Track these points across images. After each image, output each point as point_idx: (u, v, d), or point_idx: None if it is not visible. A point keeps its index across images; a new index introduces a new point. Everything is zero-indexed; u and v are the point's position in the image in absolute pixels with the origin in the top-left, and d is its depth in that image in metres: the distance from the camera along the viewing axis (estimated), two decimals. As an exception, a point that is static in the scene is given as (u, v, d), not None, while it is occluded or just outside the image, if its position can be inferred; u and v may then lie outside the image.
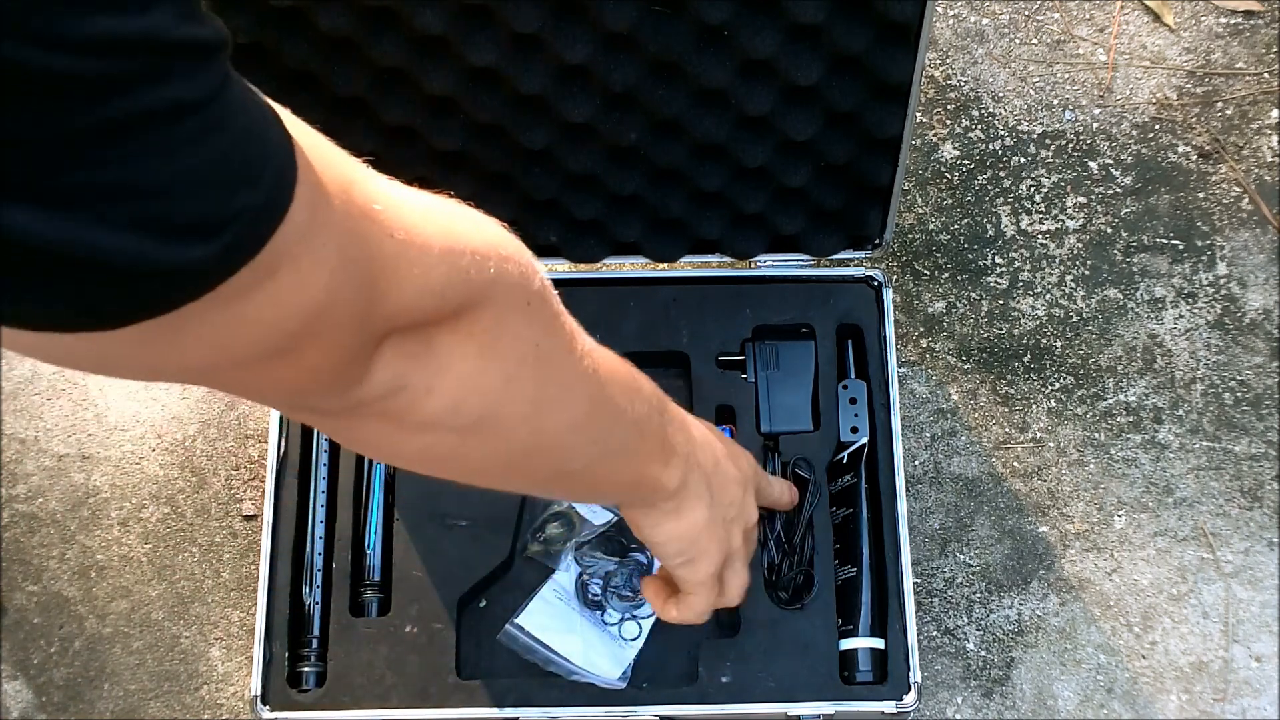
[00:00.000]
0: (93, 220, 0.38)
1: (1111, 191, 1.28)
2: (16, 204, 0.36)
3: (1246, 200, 1.27)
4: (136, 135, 0.38)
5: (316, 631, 1.00)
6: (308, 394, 0.56)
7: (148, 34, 0.37)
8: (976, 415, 1.21)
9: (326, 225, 0.48)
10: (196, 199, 0.40)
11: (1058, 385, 1.22)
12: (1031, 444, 1.20)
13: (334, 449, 1.06)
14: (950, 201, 1.28)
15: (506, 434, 0.65)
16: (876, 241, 1.07)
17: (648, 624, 1.01)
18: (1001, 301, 1.25)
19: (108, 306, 0.41)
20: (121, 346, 0.43)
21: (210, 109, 0.40)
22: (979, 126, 1.31)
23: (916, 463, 1.20)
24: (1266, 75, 1.31)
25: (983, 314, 1.24)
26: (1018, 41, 1.33)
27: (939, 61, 1.33)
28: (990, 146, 1.30)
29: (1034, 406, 1.21)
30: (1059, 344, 1.23)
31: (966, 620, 1.15)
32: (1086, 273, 1.25)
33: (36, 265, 0.38)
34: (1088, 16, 1.34)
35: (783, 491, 0.98)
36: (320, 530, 1.03)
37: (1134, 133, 1.30)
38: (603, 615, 1.02)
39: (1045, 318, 1.24)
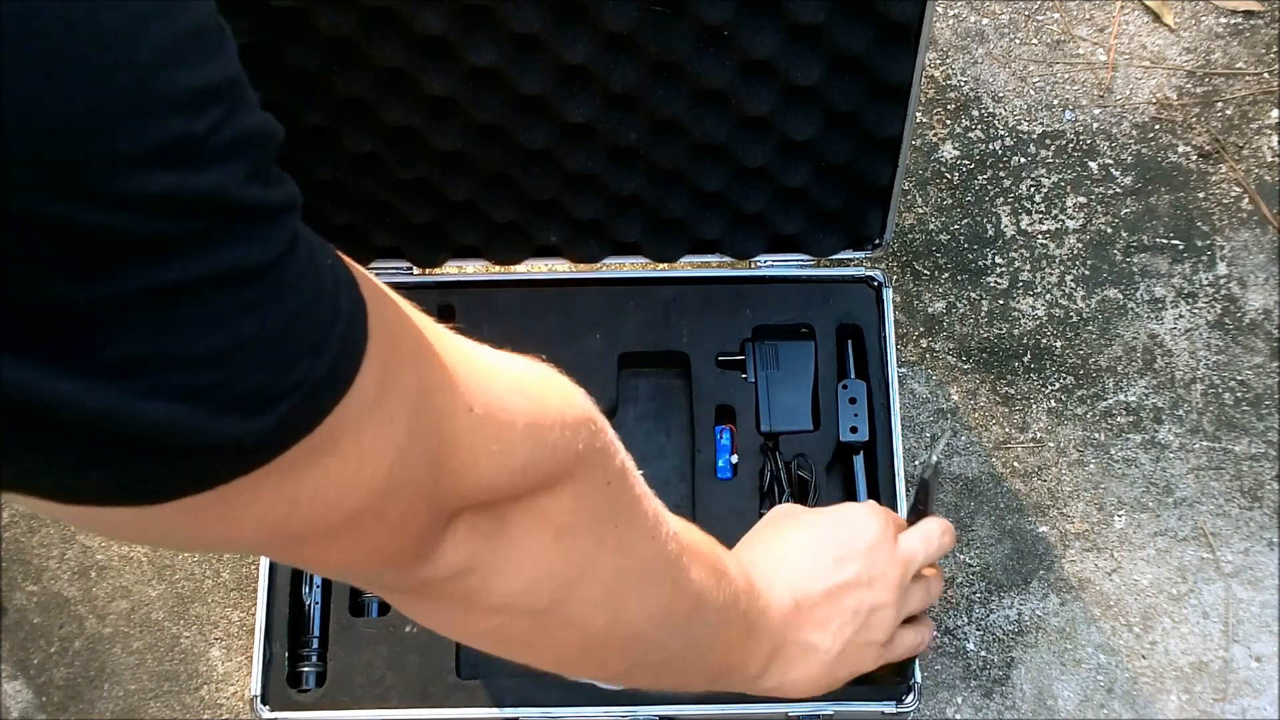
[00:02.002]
0: (141, 392, 0.35)
1: (1111, 191, 1.28)
2: (63, 373, 0.33)
3: (1246, 200, 1.27)
4: (192, 301, 0.35)
5: (316, 631, 1.00)
6: (369, 571, 0.52)
7: (210, 194, 0.35)
8: (976, 415, 1.21)
9: (396, 398, 0.44)
10: (254, 369, 0.37)
11: (1058, 385, 1.22)
12: (1031, 444, 1.20)
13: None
14: (950, 201, 1.28)
15: (582, 620, 0.60)
16: (876, 241, 1.07)
17: (648, 624, 1.01)
18: (1001, 301, 1.25)
19: (152, 481, 0.38)
20: (165, 520, 0.40)
21: (274, 274, 0.37)
22: (979, 126, 1.31)
23: (916, 463, 1.20)
24: (1266, 75, 1.31)
25: (983, 314, 1.24)
26: (1018, 41, 1.33)
27: (939, 61, 1.33)
28: (990, 146, 1.30)
29: (1034, 406, 1.21)
30: (1059, 344, 1.23)
31: (966, 620, 1.15)
32: (1086, 273, 1.25)
33: (80, 437, 0.35)
34: (1088, 16, 1.34)
35: (931, 548, 0.83)
36: (320, 530, 1.03)
37: (1134, 133, 1.30)
38: (603, 615, 1.02)
39: (1045, 318, 1.24)
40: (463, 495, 0.50)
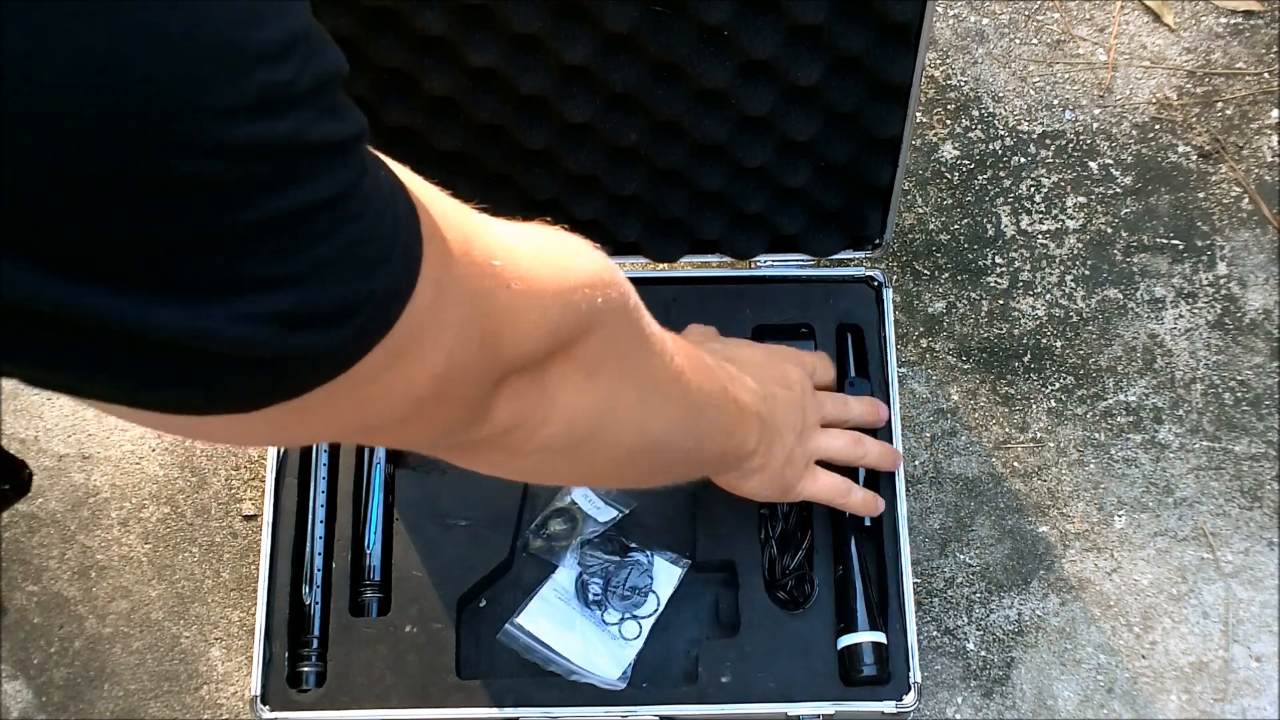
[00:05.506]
0: (230, 316, 0.39)
1: (1111, 191, 1.28)
2: (158, 303, 0.37)
3: (1246, 200, 1.27)
4: (275, 233, 0.39)
5: (316, 631, 1.00)
6: (426, 441, 0.58)
7: (289, 137, 0.38)
8: (976, 415, 1.21)
9: (450, 293, 0.48)
10: (331, 288, 0.41)
11: (1058, 385, 1.22)
12: (1031, 444, 1.20)
13: (334, 449, 1.06)
14: (950, 201, 1.28)
15: (614, 443, 0.68)
16: (876, 241, 1.07)
17: (648, 624, 1.01)
18: (1001, 301, 1.25)
19: (241, 393, 0.42)
20: (250, 425, 0.44)
21: (345, 202, 0.41)
22: (979, 126, 1.31)
23: (916, 463, 1.19)
24: (1266, 75, 1.31)
25: (983, 314, 1.24)
26: (1018, 41, 1.33)
27: (939, 61, 1.33)
28: (990, 146, 1.30)
29: (1034, 406, 1.21)
30: (1059, 344, 1.23)
31: (966, 620, 1.15)
32: (1086, 273, 1.25)
33: (176, 358, 0.39)
34: (1088, 16, 1.34)
35: (856, 409, 1.00)
36: (320, 530, 1.03)
37: (1134, 133, 1.30)
38: (603, 615, 1.02)
39: (1045, 318, 1.24)
40: (509, 364, 0.55)
